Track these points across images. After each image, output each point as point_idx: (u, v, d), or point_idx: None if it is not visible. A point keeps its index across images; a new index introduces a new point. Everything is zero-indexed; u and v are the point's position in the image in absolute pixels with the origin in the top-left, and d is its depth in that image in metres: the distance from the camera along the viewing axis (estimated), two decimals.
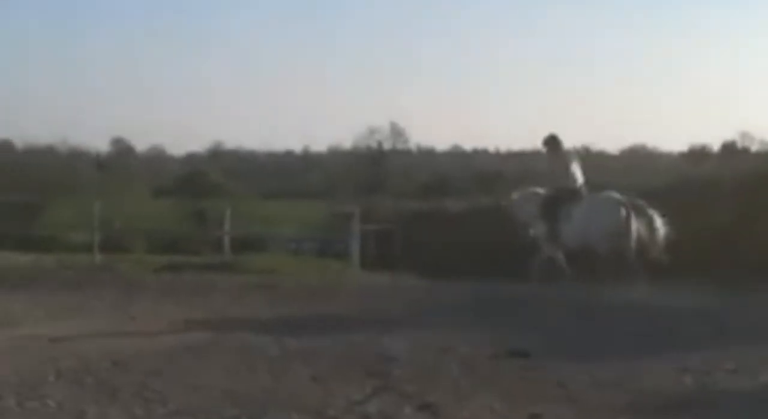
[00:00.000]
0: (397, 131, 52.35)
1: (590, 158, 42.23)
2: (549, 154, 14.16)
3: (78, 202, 29.10)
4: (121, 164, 51.91)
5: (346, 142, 59.11)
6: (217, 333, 10.31)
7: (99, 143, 75.82)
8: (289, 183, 54.27)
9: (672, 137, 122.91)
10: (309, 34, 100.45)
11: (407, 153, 55.41)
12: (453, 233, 19.09)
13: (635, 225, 13.03)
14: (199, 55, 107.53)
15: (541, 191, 14.28)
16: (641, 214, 13.08)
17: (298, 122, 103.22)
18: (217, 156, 63.68)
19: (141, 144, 77.74)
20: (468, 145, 71.62)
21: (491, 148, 71.44)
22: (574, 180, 13.81)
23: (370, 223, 19.61)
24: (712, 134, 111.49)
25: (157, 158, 65.15)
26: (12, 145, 55.71)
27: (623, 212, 13.02)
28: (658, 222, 13.05)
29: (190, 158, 65.33)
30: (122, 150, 63.07)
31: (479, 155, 68.65)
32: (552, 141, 14.11)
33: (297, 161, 73.12)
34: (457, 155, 67.48)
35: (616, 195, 13.34)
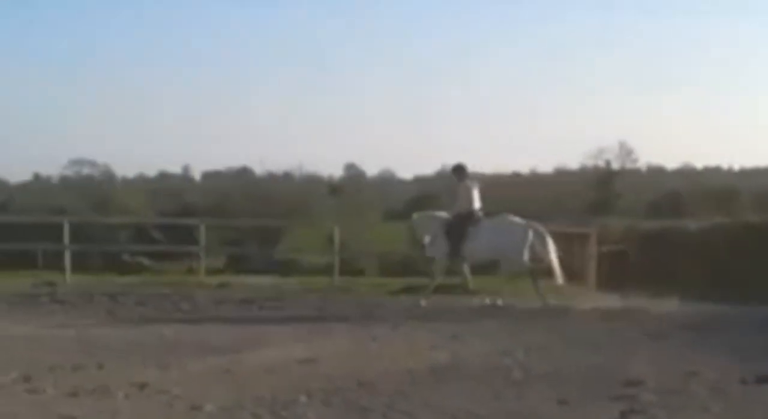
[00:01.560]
0: (626, 150, 51.10)
1: None
2: (455, 181, 16.05)
3: (314, 226, 30.11)
4: (354, 188, 53.22)
5: (572, 162, 58.21)
6: (458, 355, 10.39)
7: (333, 169, 78.43)
8: (515, 204, 54.06)
9: None
10: (536, 51, 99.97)
11: (635, 172, 53.94)
12: (692, 252, 18.42)
13: (530, 242, 15.27)
14: (431, 83, 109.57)
15: (438, 213, 16.24)
16: (536, 233, 15.34)
17: (523, 143, 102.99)
18: (444, 178, 64.18)
19: (372, 168, 79.79)
20: (699, 163, 68.88)
21: (724, 165, 68.41)
22: (475, 204, 15.67)
23: (603, 243, 19.22)
24: None
25: (387, 182, 66.47)
26: (252, 172, 58.26)
27: (522, 232, 15.31)
28: (549, 239, 15.38)
29: (418, 181, 66.28)
30: (354, 175, 64.74)
31: (710, 173, 66.00)
32: (459, 170, 16.00)
33: (523, 181, 72.76)
34: (687, 174, 65.18)
35: (515, 217, 15.61)
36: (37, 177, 73.60)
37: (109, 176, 61.43)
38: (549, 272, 15.52)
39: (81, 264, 20.04)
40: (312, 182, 51.78)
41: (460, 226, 15.51)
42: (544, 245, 15.39)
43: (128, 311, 14.74)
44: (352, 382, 8.72)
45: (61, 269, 19.36)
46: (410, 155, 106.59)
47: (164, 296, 15.93)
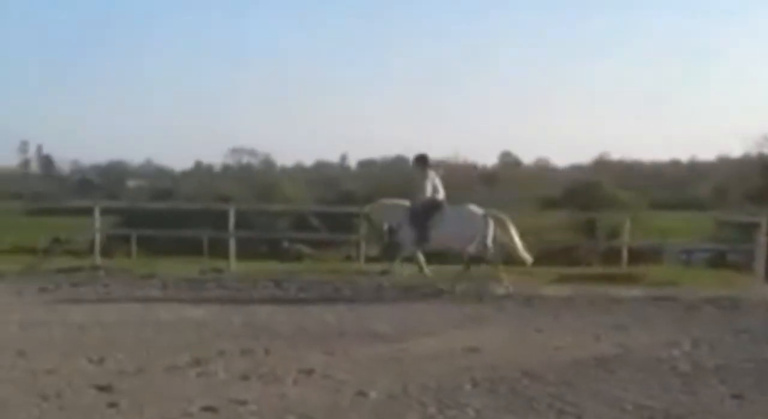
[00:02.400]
0: None
1: None
2: (417, 171, 16.52)
3: None
4: (508, 176, 53.00)
5: (735, 150, 56.23)
6: (623, 346, 10.18)
7: (487, 157, 78.20)
8: (678, 193, 52.80)
9: None
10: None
11: None
12: None
13: (491, 229, 15.84)
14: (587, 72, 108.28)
15: (399, 202, 16.67)
16: (497, 220, 15.93)
17: (682, 132, 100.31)
18: (602, 166, 63.15)
19: (527, 157, 79.18)
20: None
21: None
22: (438, 193, 16.25)
23: None
24: None
25: (542, 170, 65.91)
26: (406, 160, 58.62)
27: (481, 219, 15.87)
28: (511, 226, 15.97)
29: (574, 169, 65.43)
30: (509, 163, 64.43)
31: None
32: (420, 160, 16.54)
33: (682, 170, 71.00)
34: None
35: (475, 207, 16.19)
36: (198, 165, 76.26)
37: (268, 165, 62.91)
38: (516, 258, 16.09)
39: (243, 251, 20.54)
40: (466, 169, 51.78)
41: (425, 214, 16.01)
42: (507, 230, 15.97)
43: (292, 297, 15.04)
44: (516, 371, 8.66)
45: (225, 255, 19.90)
46: (566, 144, 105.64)
47: (326, 283, 16.16)
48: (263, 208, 32.28)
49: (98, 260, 19.29)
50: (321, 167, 67.08)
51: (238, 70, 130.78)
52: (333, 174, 57.70)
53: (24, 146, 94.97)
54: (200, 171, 69.89)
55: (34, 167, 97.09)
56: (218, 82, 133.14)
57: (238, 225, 19.57)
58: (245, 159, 66.19)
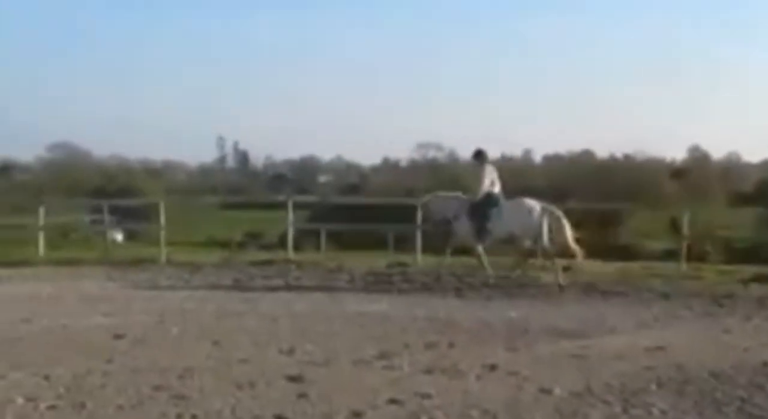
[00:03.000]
0: None
1: None
2: (476, 166, 17.04)
3: (658, 209, 29.31)
4: (697, 172, 51.30)
5: None
6: None
7: (676, 152, 76.00)
8: None
9: None
10: None
11: None
12: None
13: (546, 223, 16.11)
14: None
15: (454, 194, 17.32)
16: (552, 215, 16.21)
17: None
18: None
19: (717, 152, 76.46)
20: None
21: None
22: (495, 187, 16.65)
23: None
24: None
25: (733, 166, 63.45)
26: (593, 155, 57.77)
27: (537, 213, 16.17)
28: (564, 220, 16.21)
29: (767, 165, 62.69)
30: (698, 158, 62.31)
31: None
32: (479, 155, 16.96)
33: None
34: None
35: (531, 200, 16.49)
36: (386, 161, 77.36)
37: (453, 159, 63.11)
38: (568, 252, 16.27)
39: (428, 245, 20.76)
40: (654, 164, 50.48)
41: (482, 207, 16.43)
42: (561, 226, 16.21)
43: (475, 292, 15.16)
44: (703, 372, 8.47)
45: (410, 249, 20.20)
46: (759, 138, 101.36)
47: (507, 279, 16.19)
48: None
49: (291, 253, 19.96)
50: (504, 160, 66.69)
51: (431, 71, 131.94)
52: (517, 168, 57.31)
53: (221, 142, 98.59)
54: (387, 166, 70.91)
55: (231, 162, 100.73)
56: (413, 81, 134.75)
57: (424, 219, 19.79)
58: (431, 154, 66.72)
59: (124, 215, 32.92)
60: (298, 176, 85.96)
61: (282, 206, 21.19)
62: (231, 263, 19.04)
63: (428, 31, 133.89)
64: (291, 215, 20.76)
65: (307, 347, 9.70)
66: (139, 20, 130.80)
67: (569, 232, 16.27)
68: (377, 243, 26.10)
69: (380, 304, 13.47)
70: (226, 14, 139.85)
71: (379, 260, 19.29)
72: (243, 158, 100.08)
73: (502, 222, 16.30)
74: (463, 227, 16.55)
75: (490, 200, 16.45)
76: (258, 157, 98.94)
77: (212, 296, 14.30)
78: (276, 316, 12.07)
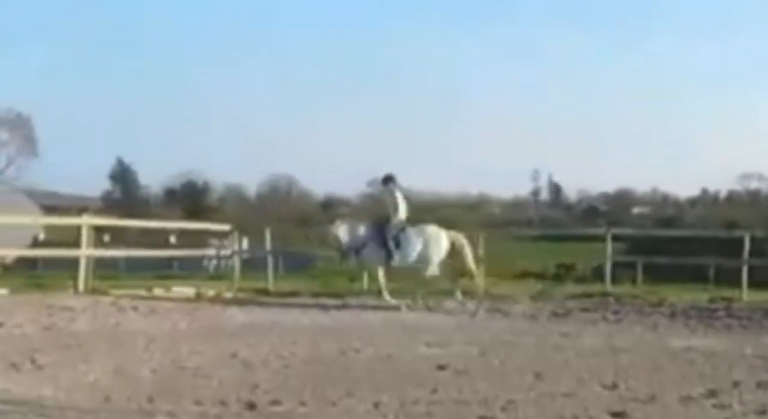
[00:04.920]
0: None
1: None
2: (386, 190, 17.71)
3: None
4: None
5: None
6: None
7: None
8: None
9: None
10: None
11: None
12: None
13: (453, 246, 17.15)
14: None
15: (359, 222, 17.97)
16: (456, 240, 17.29)
17: None
18: None
19: None
20: None
21: None
22: (401, 213, 17.30)
23: None
24: None
25: None
26: None
27: (447, 239, 17.22)
28: (467, 246, 17.40)
29: None
30: None
31: None
32: (390, 180, 17.63)
33: None
34: None
35: (435, 227, 17.53)
36: (705, 192, 74.58)
37: None
38: (470, 274, 17.51)
39: (755, 280, 19.77)
40: None
41: (390, 233, 17.07)
42: (462, 249, 17.31)
43: None
44: None
45: (732, 284, 19.32)
46: None
47: None
48: None
49: (608, 286, 19.70)
50: None
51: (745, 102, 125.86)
52: None
53: (536, 175, 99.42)
54: (706, 198, 68.35)
55: (544, 194, 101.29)
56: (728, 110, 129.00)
57: (751, 253, 18.91)
58: (754, 184, 63.64)
59: None
60: (612, 208, 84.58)
61: (595, 238, 20.97)
62: (547, 296, 19.02)
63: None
64: (609, 248, 20.52)
65: (630, 383, 9.49)
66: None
67: (471, 256, 17.50)
68: (694, 277, 25.14)
69: (705, 340, 12.99)
70: None
71: (699, 295, 18.59)
72: (556, 190, 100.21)
73: (411, 248, 17.04)
74: (372, 253, 17.17)
75: (398, 225, 17.18)
76: (571, 189, 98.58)
77: (531, 329, 14.36)
78: (597, 350, 11.94)
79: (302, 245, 36.39)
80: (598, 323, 15.17)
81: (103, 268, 19.82)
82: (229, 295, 18.51)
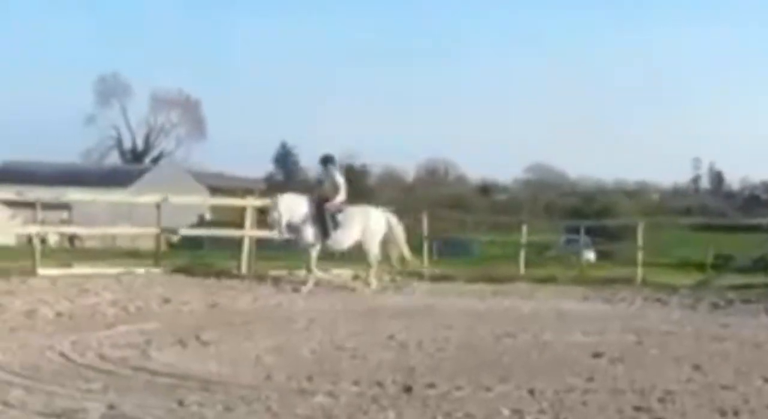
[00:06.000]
0: None
1: None
2: (327, 171, 17.73)
3: None
4: None
5: None
6: None
7: None
8: None
9: None
10: None
11: None
12: None
13: (389, 229, 17.53)
14: None
15: (303, 197, 17.46)
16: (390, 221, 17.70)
17: None
18: None
19: None
20: None
21: None
22: (342, 193, 17.14)
23: None
24: None
25: None
26: None
27: (385, 219, 17.63)
28: (401, 229, 17.89)
29: None
30: None
31: None
32: (330, 160, 17.84)
33: None
34: None
35: (373, 208, 18.11)
36: None
37: None
38: (400, 255, 17.95)
39: None
40: None
41: (329, 213, 16.89)
42: (396, 231, 17.63)
43: None
44: None
45: None
46: None
47: None
48: None
49: None
50: None
51: None
52: None
53: (697, 163, 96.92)
54: None
55: (705, 182, 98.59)
56: None
57: None
58: None
59: (595, 235, 33.41)
60: None
61: (757, 228, 20.31)
62: (707, 286, 18.55)
63: None
64: None
65: None
66: None
67: (403, 238, 17.78)
68: None
69: None
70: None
71: None
72: (717, 178, 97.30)
73: (348, 230, 17.01)
74: (309, 232, 16.92)
75: (337, 206, 17.11)
76: (733, 178, 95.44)
77: (689, 319, 14.07)
78: (759, 342, 11.62)
79: (457, 231, 36.58)
80: (760, 314, 14.71)
81: (263, 249, 20.36)
82: (386, 278, 18.77)
